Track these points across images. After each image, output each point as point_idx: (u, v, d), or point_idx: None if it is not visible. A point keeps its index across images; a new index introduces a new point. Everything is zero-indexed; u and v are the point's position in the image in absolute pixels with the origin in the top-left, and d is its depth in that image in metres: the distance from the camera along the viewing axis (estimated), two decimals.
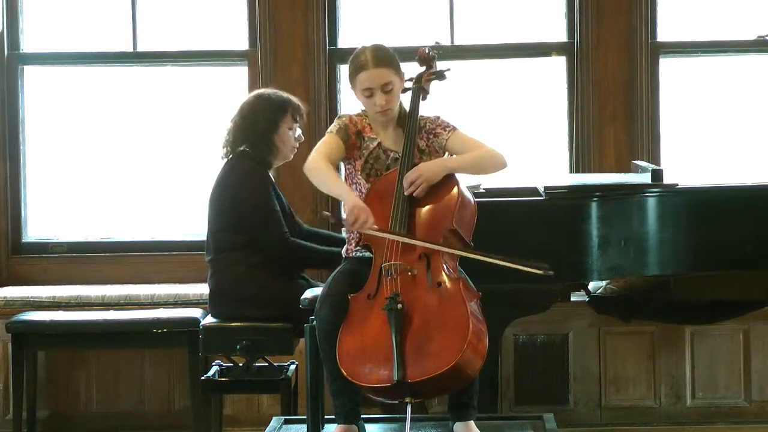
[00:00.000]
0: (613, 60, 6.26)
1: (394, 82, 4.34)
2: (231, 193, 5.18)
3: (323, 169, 4.23)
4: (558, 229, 4.83)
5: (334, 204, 6.23)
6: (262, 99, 5.29)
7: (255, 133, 5.22)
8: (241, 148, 5.23)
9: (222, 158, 5.30)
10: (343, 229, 4.17)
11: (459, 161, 4.33)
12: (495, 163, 4.35)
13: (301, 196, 6.03)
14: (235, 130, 5.26)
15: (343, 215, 4.18)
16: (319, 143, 4.36)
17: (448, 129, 4.40)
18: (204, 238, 5.31)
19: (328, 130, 4.40)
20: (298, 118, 5.29)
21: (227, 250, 5.16)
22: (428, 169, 4.25)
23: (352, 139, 4.36)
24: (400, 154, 4.32)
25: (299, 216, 5.47)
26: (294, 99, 5.33)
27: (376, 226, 4.11)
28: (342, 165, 4.49)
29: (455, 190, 4.21)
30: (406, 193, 4.21)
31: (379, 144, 4.39)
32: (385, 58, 4.35)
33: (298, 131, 5.32)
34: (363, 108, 4.46)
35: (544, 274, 4.11)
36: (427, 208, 4.22)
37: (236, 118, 5.28)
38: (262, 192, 5.15)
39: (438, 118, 4.44)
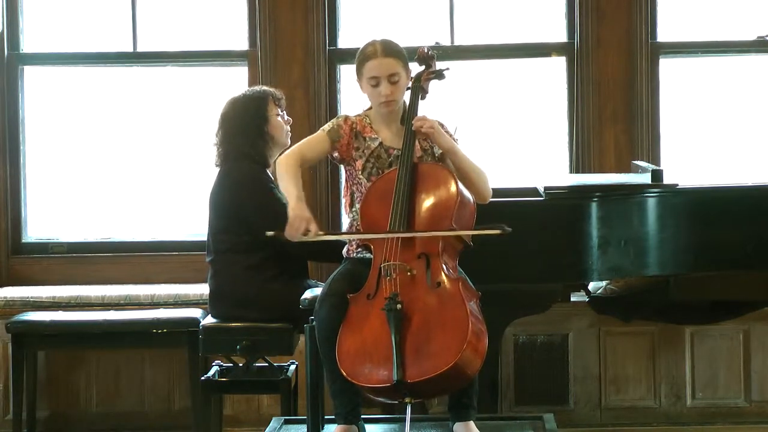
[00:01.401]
0: (613, 60, 6.26)
1: (400, 74, 4.34)
2: (231, 195, 5.17)
3: (286, 169, 4.28)
4: (558, 229, 4.82)
5: (335, 201, 6.24)
6: (240, 102, 5.27)
7: (248, 132, 5.20)
8: (239, 150, 5.21)
9: (216, 166, 5.29)
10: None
11: (464, 154, 4.34)
12: (485, 186, 4.36)
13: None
14: (227, 138, 5.22)
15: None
16: (306, 138, 4.40)
17: (452, 135, 4.41)
18: (204, 238, 5.30)
19: (322, 127, 4.42)
20: (279, 103, 5.31)
21: (228, 252, 5.15)
22: (439, 128, 4.30)
23: (345, 141, 4.36)
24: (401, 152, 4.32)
25: None
26: (267, 88, 5.35)
27: (321, 232, 4.15)
28: (342, 168, 4.50)
29: (454, 189, 4.19)
30: (413, 127, 4.26)
31: (381, 143, 4.39)
32: (394, 50, 4.37)
33: (285, 115, 5.33)
34: (364, 109, 4.47)
35: (502, 233, 4.09)
36: (426, 206, 4.21)
37: (222, 129, 5.25)
38: (264, 191, 5.13)
39: (442, 124, 4.43)
